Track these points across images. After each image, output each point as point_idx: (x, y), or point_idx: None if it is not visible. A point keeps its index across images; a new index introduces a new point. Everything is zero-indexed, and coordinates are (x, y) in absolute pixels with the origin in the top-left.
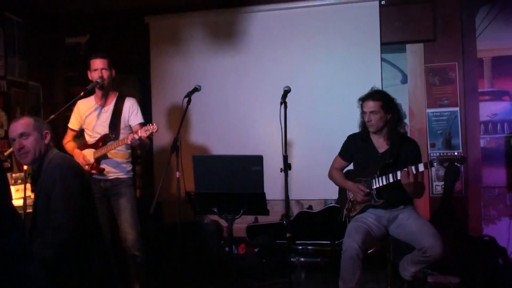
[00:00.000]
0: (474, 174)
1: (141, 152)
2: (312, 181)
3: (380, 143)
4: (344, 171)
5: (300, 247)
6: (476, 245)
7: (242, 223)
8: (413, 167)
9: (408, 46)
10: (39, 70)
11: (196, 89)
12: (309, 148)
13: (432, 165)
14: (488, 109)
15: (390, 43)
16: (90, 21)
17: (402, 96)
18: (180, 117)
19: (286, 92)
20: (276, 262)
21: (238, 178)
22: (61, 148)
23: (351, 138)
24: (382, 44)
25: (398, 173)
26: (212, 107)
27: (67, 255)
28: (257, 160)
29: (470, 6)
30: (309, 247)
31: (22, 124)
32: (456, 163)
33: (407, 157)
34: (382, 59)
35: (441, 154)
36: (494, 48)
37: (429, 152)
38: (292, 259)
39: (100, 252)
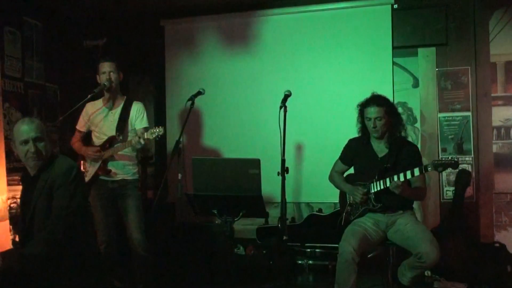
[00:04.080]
0: (486, 180)
1: (143, 155)
2: (323, 184)
3: (380, 148)
4: (344, 175)
5: (309, 250)
6: (485, 251)
7: (253, 224)
8: (401, 175)
9: (420, 50)
10: (56, 72)
11: (199, 93)
12: (321, 151)
13: (426, 170)
14: (501, 114)
15: (402, 47)
16: (107, 24)
17: (414, 100)
18: (183, 120)
19: (287, 96)
20: (284, 264)
21: (236, 181)
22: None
23: (352, 142)
24: (394, 48)
25: (395, 177)
26: (225, 109)
27: (61, 253)
28: (255, 163)
29: (483, 10)
30: (317, 250)
31: (36, 127)
32: (450, 168)
33: (406, 161)
34: (394, 63)
35: (440, 159)
36: (508, 52)
37: (440, 157)
38: (300, 262)
39: (88, 252)
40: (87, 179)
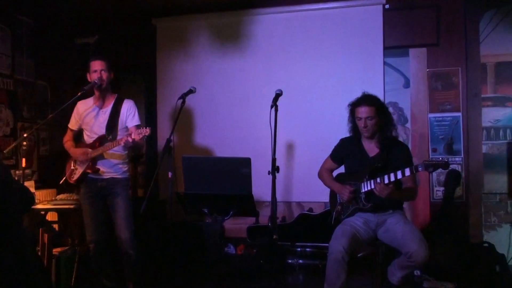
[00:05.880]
0: (475, 180)
1: (135, 153)
2: (313, 183)
3: (371, 147)
4: (335, 175)
5: (299, 249)
6: (474, 251)
7: (243, 224)
8: (385, 177)
9: (411, 50)
10: (47, 69)
11: (191, 91)
12: (312, 151)
13: (417, 170)
14: (491, 115)
15: (393, 47)
16: (99, 22)
17: (404, 101)
18: (174, 119)
19: (278, 95)
20: (274, 263)
21: (227, 180)
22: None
23: (343, 142)
24: (385, 48)
25: (385, 177)
26: (216, 108)
27: None
28: (246, 162)
29: (474, 11)
30: (307, 249)
31: None
32: (440, 168)
33: (397, 160)
34: (385, 63)
35: (430, 159)
36: (498, 53)
37: (430, 157)
38: (290, 261)
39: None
40: (75, 177)
